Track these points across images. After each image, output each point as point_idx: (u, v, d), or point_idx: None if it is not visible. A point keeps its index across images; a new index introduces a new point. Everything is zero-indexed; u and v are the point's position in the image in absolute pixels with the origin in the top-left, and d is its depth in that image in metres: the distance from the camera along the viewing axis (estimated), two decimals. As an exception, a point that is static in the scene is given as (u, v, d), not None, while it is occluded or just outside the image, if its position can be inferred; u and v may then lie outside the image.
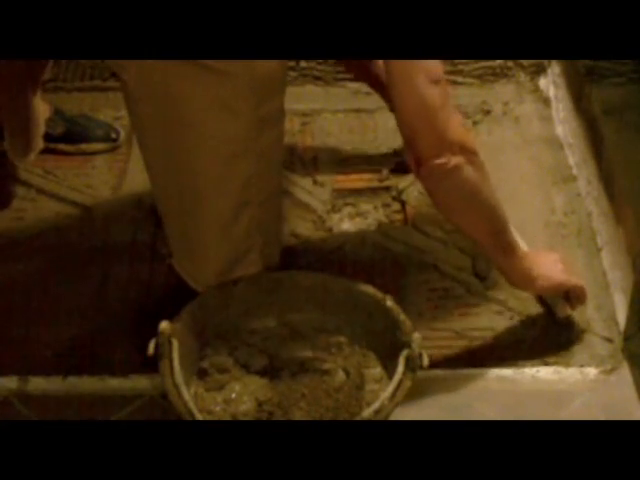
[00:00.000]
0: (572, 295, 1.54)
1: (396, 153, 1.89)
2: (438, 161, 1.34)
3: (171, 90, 1.33)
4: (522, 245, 1.59)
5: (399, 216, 1.78)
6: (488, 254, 1.49)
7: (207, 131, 1.36)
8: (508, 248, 1.45)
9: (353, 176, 1.87)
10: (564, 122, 1.95)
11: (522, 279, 1.49)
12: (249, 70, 1.32)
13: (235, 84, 1.33)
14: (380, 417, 1.28)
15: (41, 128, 1.81)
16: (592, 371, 1.52)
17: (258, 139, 1.39)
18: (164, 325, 1.35)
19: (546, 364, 1.52)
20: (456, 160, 1.35)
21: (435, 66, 1.32)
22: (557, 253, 1.56)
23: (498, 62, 2.08)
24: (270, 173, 1.45)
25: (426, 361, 1.35)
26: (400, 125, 1.38)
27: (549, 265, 1.51)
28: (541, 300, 1.60)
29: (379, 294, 1.44)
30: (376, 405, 1.29)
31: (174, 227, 1.50)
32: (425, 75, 1.31)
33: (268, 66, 1.33)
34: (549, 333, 1.57)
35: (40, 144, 1.81)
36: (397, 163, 1.86)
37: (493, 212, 1.43)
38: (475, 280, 1.66)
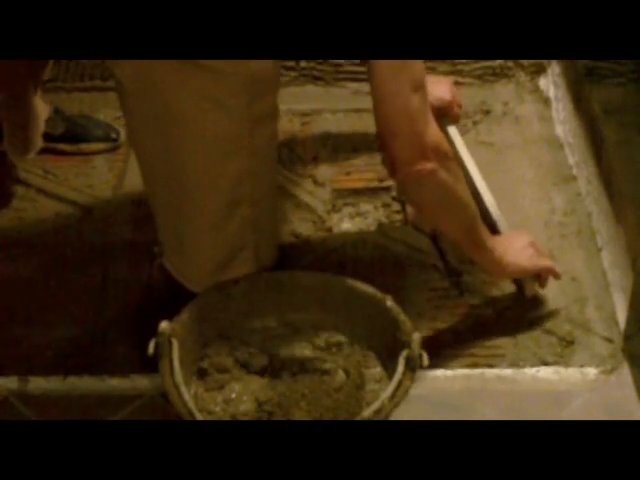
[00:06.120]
0: (543, 276, 1.59)
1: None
2: (414, 167, 1.36)
3: (163, 86, 1.33)
4: (503, 227, 1.64)
5: (399, 216, 1.78)
6: (464, 249, 1.54)
7: (199, 128, 1.36)
8: (481, 243, 1.49)
9: (353, 176, 1.87)
10: (564, 122, 1.95)
11: (494, 269, 1.55)
12: (242, 68, 1.32)
13: (228, 82, 1.33)
14: (380, 417, 1.28)
15: (41, 127, 1.81)
16: (592, 371, 1.51)
17: (250, 137, 1.39)
18: (164, 325, 1.35)
19: (546, 364, 1.52)
20: (432, 165, 1.36)
21: (419, 72, 1.32)
22: (528, 235, 1.59)
23: (498, 62, 2.07)
24: (263, 171, 1.44)
25: (426, 361, 1.35)
26: (379, 127, 1.37)
27: (518, 251, 1.55)
28: (514, 280, 1.63)
29: (379, 294, 1.44)
30: (376, 405, 1.29)
31: (166, 225, 1.50)
32: (409, 80, 1.31)
33: (261, 64, 1.33)
34: (549, 333, 1.57)
35: (40, 143, 1.82)
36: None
37: (466, 211, 1.46)
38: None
